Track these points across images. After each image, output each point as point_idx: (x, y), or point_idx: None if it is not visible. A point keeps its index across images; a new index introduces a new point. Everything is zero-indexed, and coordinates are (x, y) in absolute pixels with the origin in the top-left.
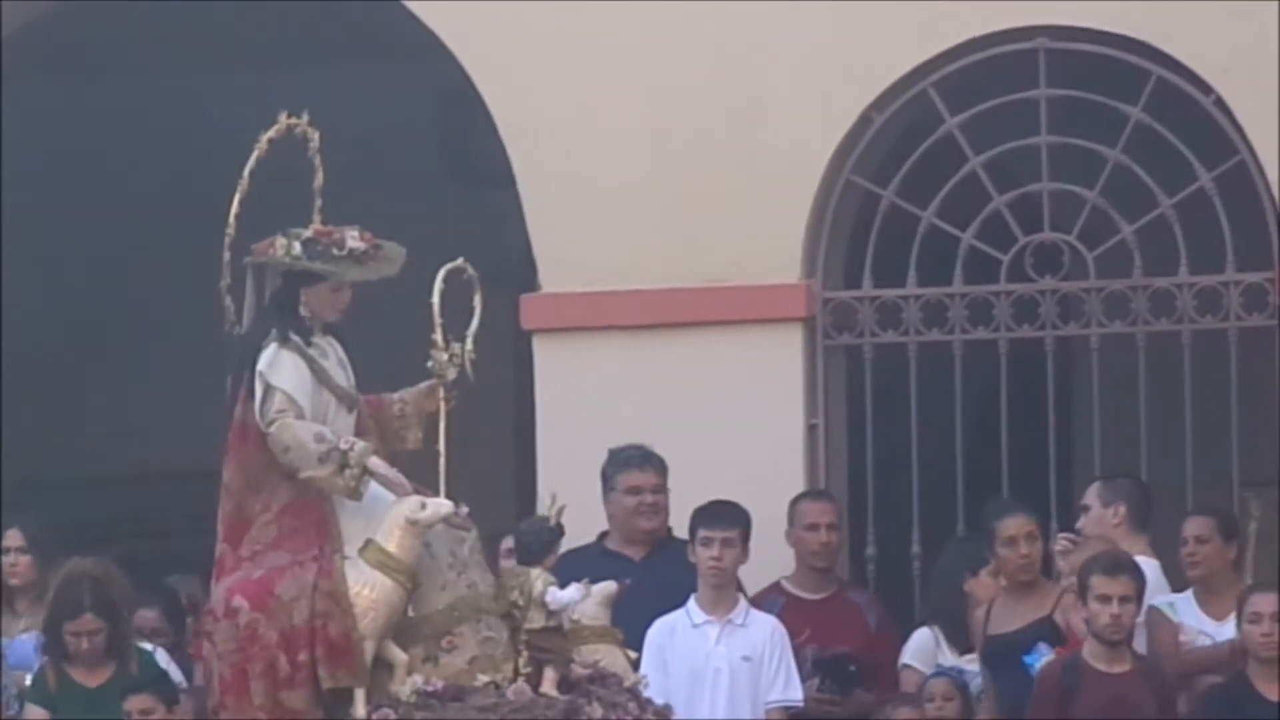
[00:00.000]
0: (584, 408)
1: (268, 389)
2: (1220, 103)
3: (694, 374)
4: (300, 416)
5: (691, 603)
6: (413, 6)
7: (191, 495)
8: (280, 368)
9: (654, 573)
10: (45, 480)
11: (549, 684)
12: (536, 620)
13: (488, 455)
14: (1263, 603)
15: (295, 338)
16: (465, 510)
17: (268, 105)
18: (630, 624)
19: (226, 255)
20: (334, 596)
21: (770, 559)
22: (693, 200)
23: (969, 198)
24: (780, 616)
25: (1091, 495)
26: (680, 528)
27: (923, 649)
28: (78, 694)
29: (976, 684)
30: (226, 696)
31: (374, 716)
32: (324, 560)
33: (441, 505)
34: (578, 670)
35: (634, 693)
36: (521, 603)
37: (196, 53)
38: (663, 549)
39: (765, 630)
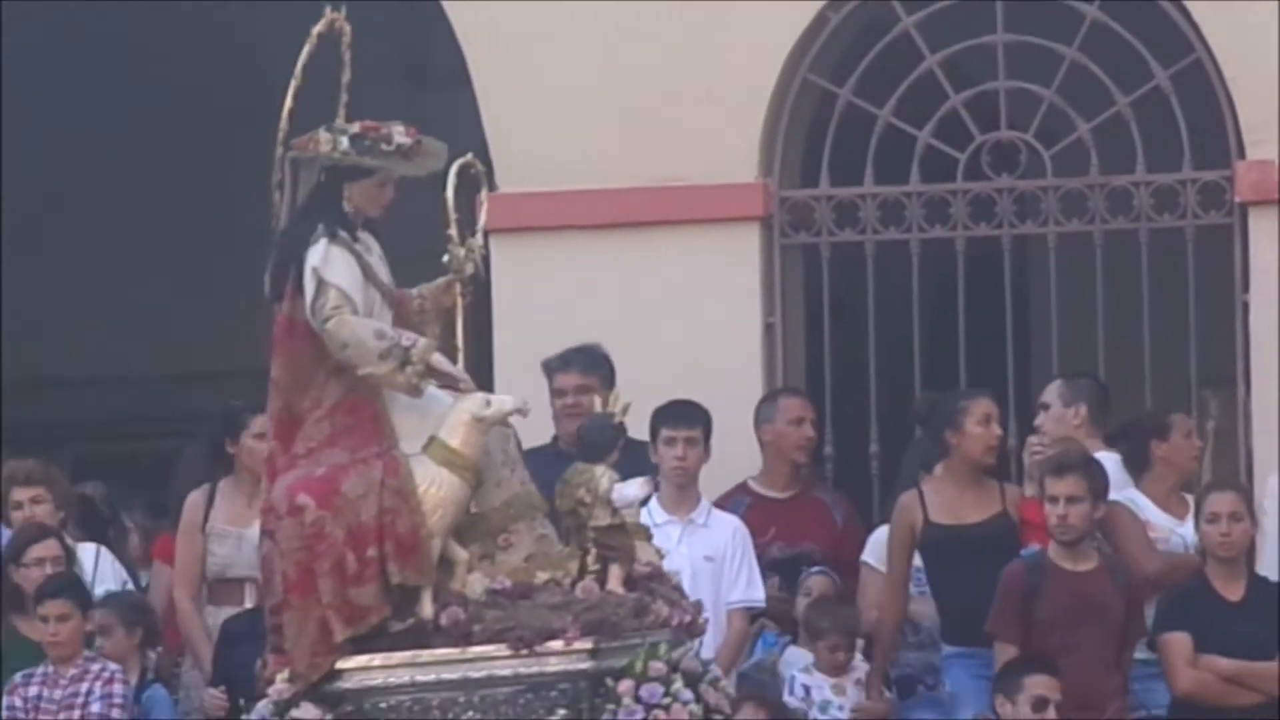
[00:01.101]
0: (541, 307)
1: (320, 284)
2: (1183, 10)
3: (651, 274)
4: (355, 312)
5: (653, 502)
6: None
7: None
8: (333, 263)
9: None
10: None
11: (615, 581)
12: (602, 518)
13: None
14: (1220, 502)
15: (343, 234)
16: (528, 406)
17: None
18: None
19: (279, 151)
20: (402, 493)
21: (727, 458)
22: (649, 100)
23: (926, 96)
24: (746, 516)
25: (1052, 394)
26: (640, 428)
27: (880, 547)
28: (23, 648)
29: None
30: (291, 594)
31: (443, 615)
32: (387, 457)
33: (505, 401)
34: (639, 568)
35: (681, 591)
36: (588, 500)
37: None
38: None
39: (727, 530)
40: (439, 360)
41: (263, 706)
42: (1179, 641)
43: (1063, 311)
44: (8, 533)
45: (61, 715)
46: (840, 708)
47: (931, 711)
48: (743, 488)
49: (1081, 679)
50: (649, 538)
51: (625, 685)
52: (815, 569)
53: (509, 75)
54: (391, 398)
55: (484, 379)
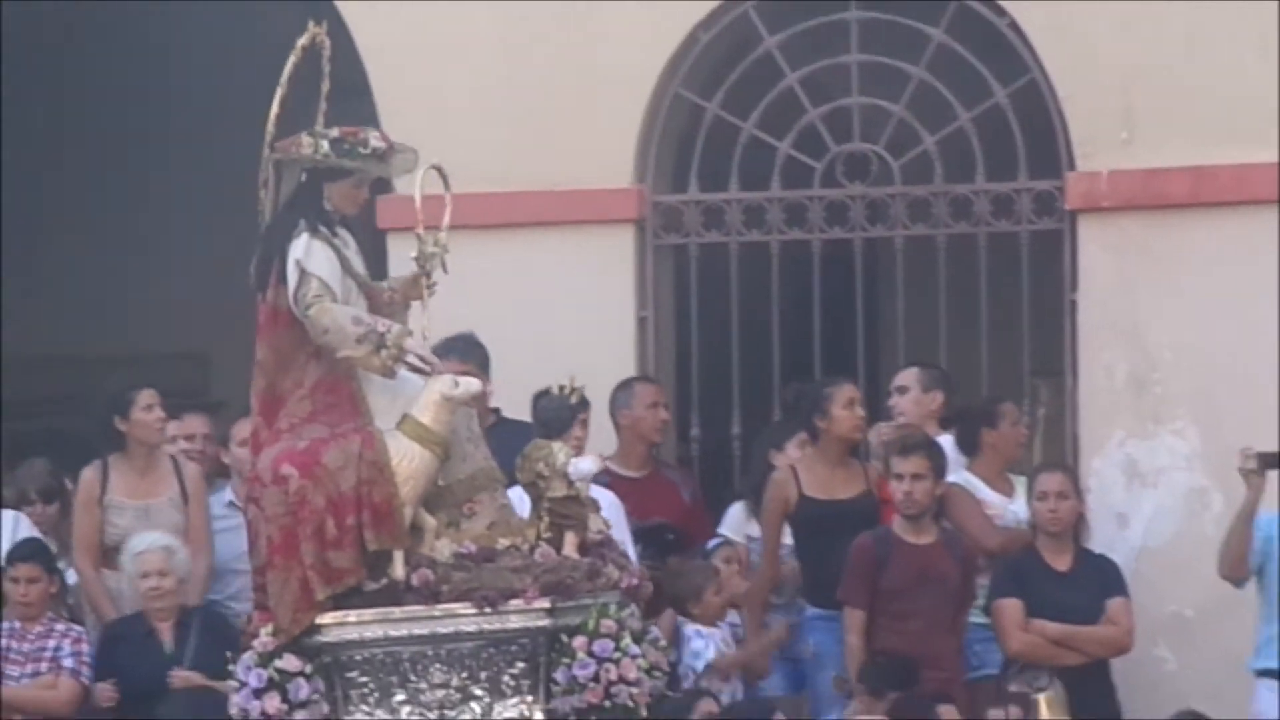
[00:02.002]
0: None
1: (303, 275)
2: (1014, 26)
3: (535, 270)
4: (334, 301)
5: None
6: None
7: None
8: (314, 255)
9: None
10: None
11: (570, 547)
12: (559, 489)
13: None
14: (1049, 481)
15: (324, 229)
16: (491, 388)
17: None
18: None
19: (266, 152)
20: (378, 465)
21: (610, 440)
22: (536, 111)
23: (786, 110)
24: None
25: (911, 379)
26: (521, 410)
27: (735, 520)
28: None
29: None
30: (275, 556)
31: (414, 576)
32: (364, 432)
33: (472, 383)
34: (591, 536)
35: (628, 556)
36: (546, 473)
37: None
38: (491, 431)
39: (605, 503)
40: (411, 344)
41: (248, 658)
42: (1011, 607)
43: (908, 307)
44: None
45: (29, 666)
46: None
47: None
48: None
49: (922, 641)
50: (598, 509)
51: (579, 641)
52: (718, 541)
53: (406, 86)
54: (366, 378)
55: None
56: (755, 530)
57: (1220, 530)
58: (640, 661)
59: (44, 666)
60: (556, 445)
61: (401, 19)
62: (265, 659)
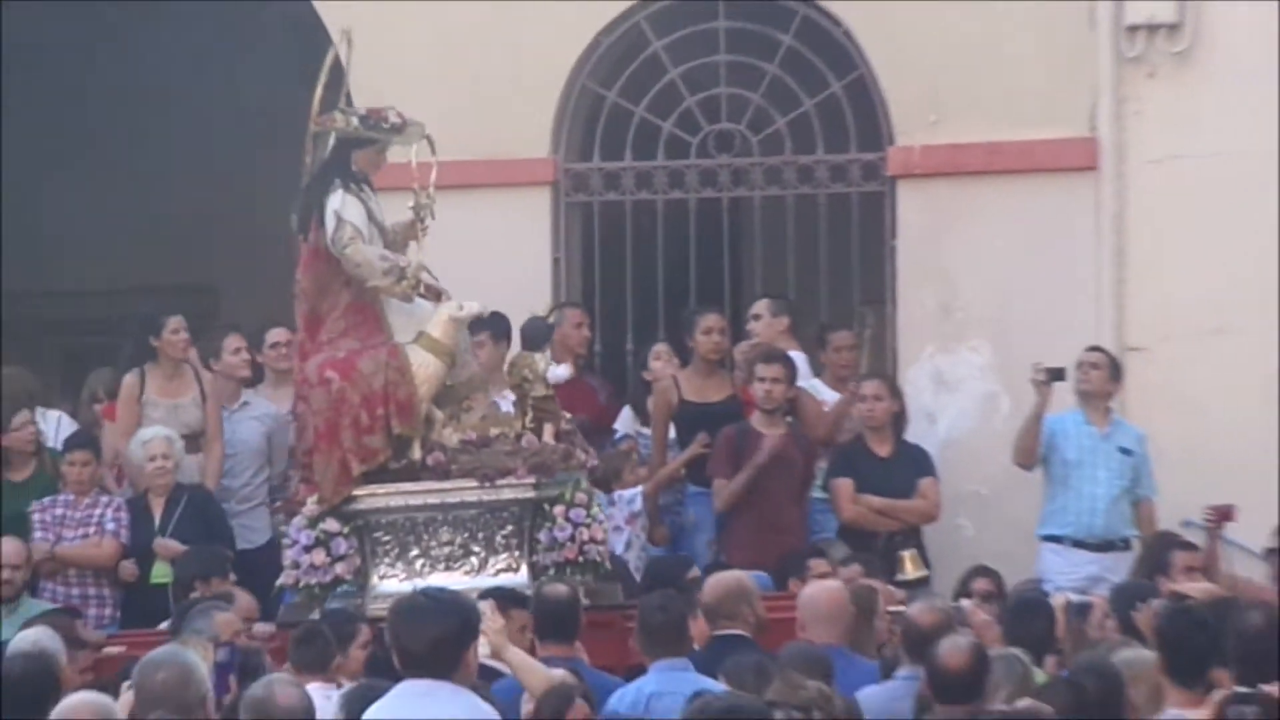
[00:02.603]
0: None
1: (339, 221)
2: (847, 33)
3: (471, 224)
4: (364, 242)
5: None
6: None
7: None
8: (348, 206)
9: None
10: None
11: (548, 435)
12: (540, 390)
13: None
14: (869, 387)
15: (353, 185)
16: (487, 309)
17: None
18: None
19: (309, 142)
20: (401, 370)
21: None
22: (475, 94)
23: (669, 97)
24: None
25: (763, 308)
26: None
27: (625, 420)
28: (9, 489)
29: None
30: (320, 441)
31: (428, 457)
32: (390, 345)
33: (473, 305)
34: (563, 425)
35: (586, 443)
36: (530, 377)
37: None
38: None
39: None
40: (425, 276)
41: (298, 521)
42: (844, 485)
43: (765, 253)
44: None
45: (79, 530)
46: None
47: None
48: (572, 375)
49: (774, 512)
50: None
51: (559, 509)
52: (621, 435)
53: (369, 70)
54: (387, 302)
55: None
56: (638, 428)
57: (1008, 426)
58: (605, 525)
59: (91, 530)
60: (537, 356)
61: (367, 15)
62: (313, 522)
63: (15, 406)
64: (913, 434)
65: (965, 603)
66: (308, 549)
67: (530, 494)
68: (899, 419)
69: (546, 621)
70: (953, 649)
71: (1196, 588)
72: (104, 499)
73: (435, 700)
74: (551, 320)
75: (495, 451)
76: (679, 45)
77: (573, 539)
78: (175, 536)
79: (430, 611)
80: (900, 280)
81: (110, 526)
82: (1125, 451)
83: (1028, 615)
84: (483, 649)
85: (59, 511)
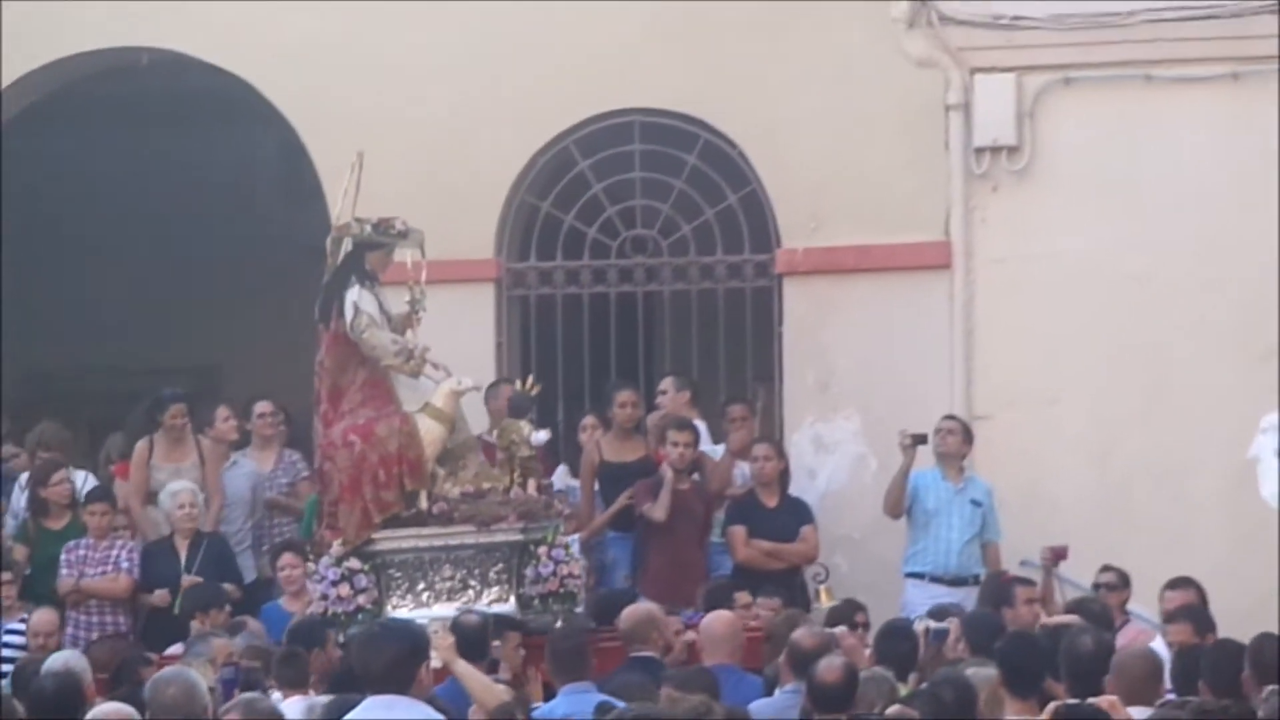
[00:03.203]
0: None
1: (357, 311)
2: (741, 154)
3: (428, 314)
4: (379, 328)
5: None
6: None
7: None
8: (364, 299)
9: None
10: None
11: (533, 489)
12: (525, 451)
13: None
14: (760, 449)
15: (368, 282)
16: (482, 385)
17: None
18: None
19: (330, 243)
20: (411, 435)
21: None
22: (431, 205)
23: (593, 208)
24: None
25: (668, 384)
26: None
27: (560, 476)
28: (48, 536)
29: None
30: (344, 494)
31: (434, 507)
32: (401, 414)
33: (469, 381)
34: (545, 482)
35: (563, 497)
36: (518, 440)
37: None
38: None
39: None
40: (430, 357)
41: (326, 560)
42: (739, 531)
43: (673, 338)
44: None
45: (100, 568)
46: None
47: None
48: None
49: (679, 554)
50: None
51: (542, 550)
52: (557, 489)
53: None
54: (396, 378)
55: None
56: (572, 482)
57: (875, 481)
58: (581, 563)
59: (109, 568)
60: (522, 423)
61: (338, 135)
62: (338, 561)
63: (56, 453)
64: (796, 488)
65: (839, 629)
66: (335, 583)
67: (519, 537)
68: (785, 475)
69: (461, 644)
70: (829, 666)
71: (1063, 619)
72: (119, 542)
73: (397, 711)
74: (534, 394)
75: (489, 502)
76: (601, 164)
77: (554, 574)
78: (200, 574)
79: (385, 638)
80: (786, 361)
81: (125, 565)
82: (975, 503)
83: (894, 639)
84: (435, 662)
85: (82, 553)
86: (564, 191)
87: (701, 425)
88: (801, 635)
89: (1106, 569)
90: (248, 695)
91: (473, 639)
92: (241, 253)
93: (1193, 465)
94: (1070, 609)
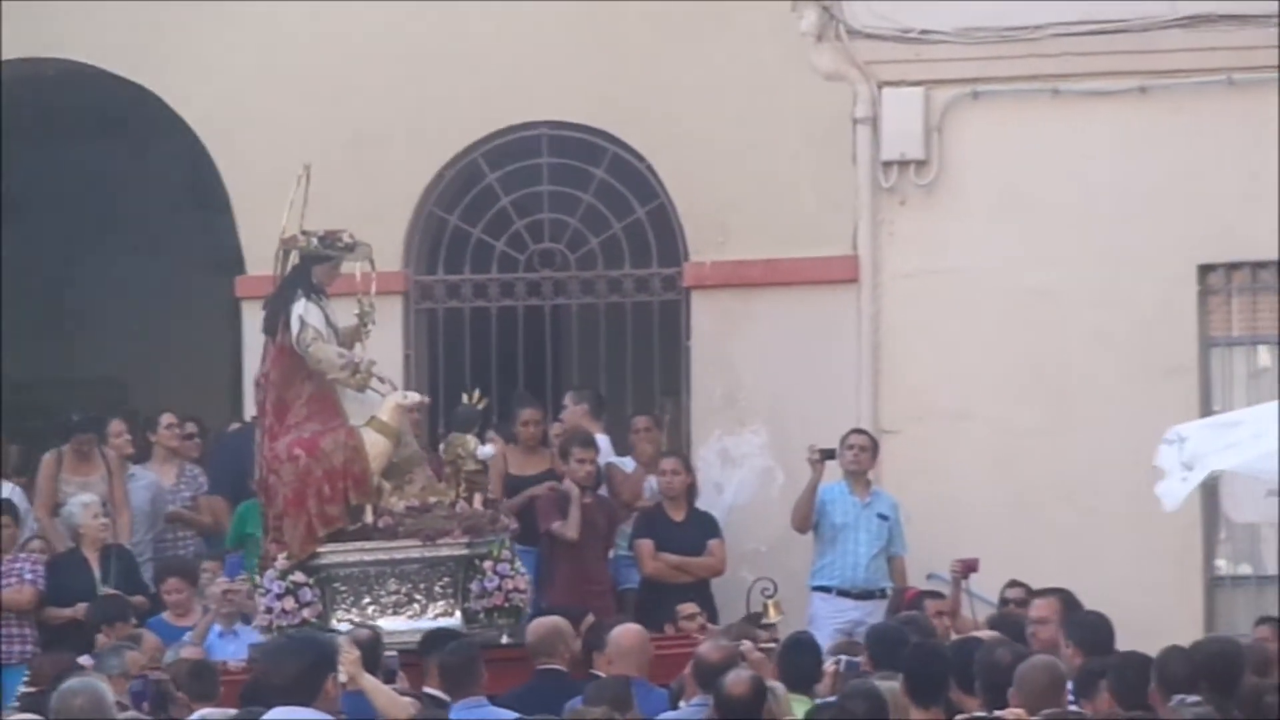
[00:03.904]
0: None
1: (304, 325)
2: (650, 168)
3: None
4: (324, 341)
5: None
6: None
7: None
8: (311, 312)
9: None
10: None
11: (478, 503)
12: (471, 465)
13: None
14: (667, 463)
15: (314, 295)
16: (428, 400)
17: None
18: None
19: (278, 256)
20: (357, 449)
21: None
22: (339, 218)
23: (501, 221)
24: None
25: (568, 399)
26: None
27: None
28: None
29: None
30: (289, 507)
31: (380, 521)
32: (347, 428)
33: (414, 396)
34: (490, 496)
35: (509, 511)
36: (464, 454)
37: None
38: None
39: None
40: (376, 370)
41: (271, 573)
42: (646, 545)
43: (581, 351)
44: None
45: (4, 580)
46: None
47: None
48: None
49: (584, 566)
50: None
51: (488, 564)
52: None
53: (255, 200)
54: (342, 392)
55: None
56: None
57: (782, 494)
58: (527, 576)
59: (14, 580)
60: (468, 437)
61: (246, 148)
62: (284, 574)
63: None
64: (703, 502)
65: (744, 643)
66: (280, 597)
67: (464, 551)
68: (692, 489)
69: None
70: (737, 679)
71: (986, 634)
72: (22, 555)
73: None
74: (480, 407)
75: (435, 516)
76: (510, 177)
77: (499, 588)
78: (114, 586)
79: (292, 649)
80: (693, 375)
81: (29, 577)
82: (882, 517)
83: (798, 653)
84: (342, 677)
85: None
86: (472, 204)
87: (604, 439)
88: (707, 649)
89: (1013, 584)
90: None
91: (366, 653)
92: (148, 265)
93: (1099, 479)
94: (993, 624)
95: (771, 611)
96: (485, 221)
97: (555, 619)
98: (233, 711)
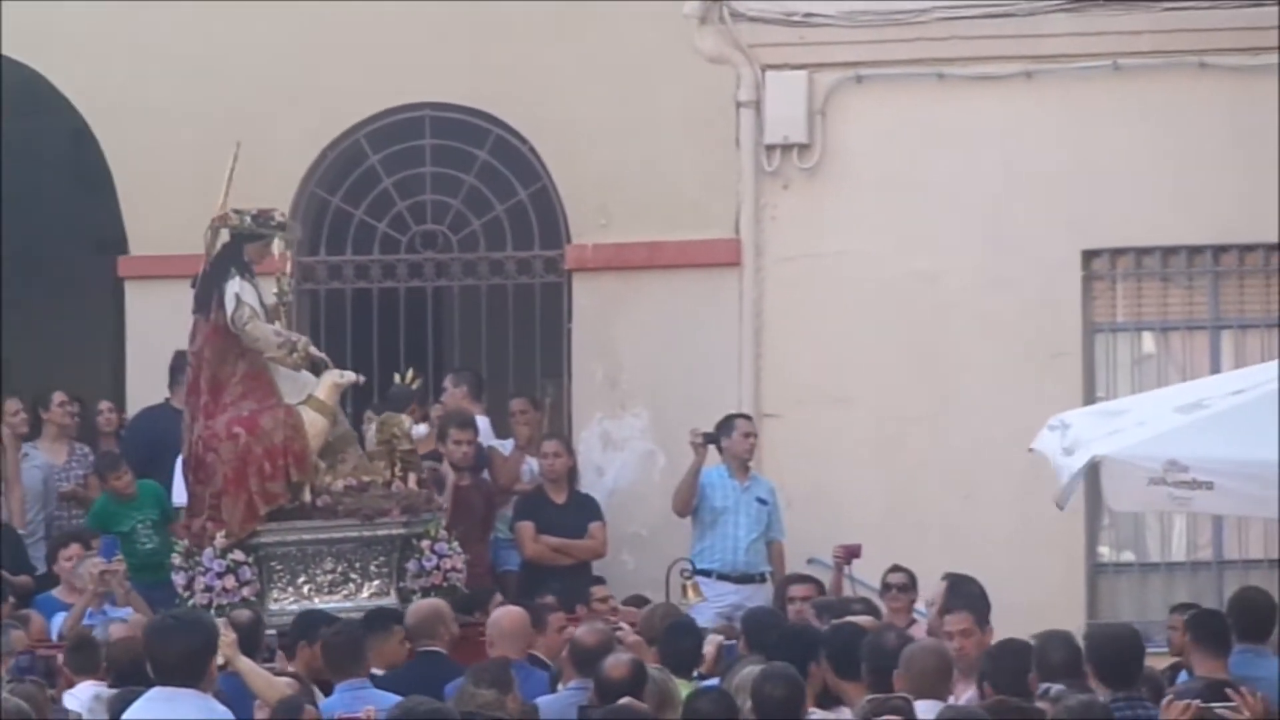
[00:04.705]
0: (164, 330)
1: (239, 303)
2: (532, 150)
3: None
4: (260, 320)
5: None
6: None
7: None
8: (245, 290)
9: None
10: None
11: (413, 483)
12: (405, 445)
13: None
14: (548, 445)
15: (248, 274)
16: (363, 379)
17: None
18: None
19: (209, 234)
20: (296, 427)
21: None
22: (243, 199)
23: (383, 202)
24: None
25: (449, 381)
26: None
27: None
28: None
29: None
30: (228, 485)
31: (319, 500)
32: (285, 406)
33: (349, 375)
34: (424, 475)
35: (442, 490)
36: (399, 434)
37: None
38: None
39: None
40: (312, 350)
41: (209, 552)
42: (527, 527)
43: (463, 333)
44: None
45: None
46: None
47: None
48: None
49: (463, 548)
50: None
51: (425, 543)
52: None
53: (139, 179)
54: (275, 370)
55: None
56: None
57: (663, 478)
58: (463, 556)
59: None
60: (402, 416)
61: (129, 126)
62: (223, 553)
63: None
64: (584, 485)
65: (623, 626)
66: (220, 575)
67: (401, 530)
68: (573, 472)
69: (241, 639)
70: (616, 663)
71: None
72: None
73: (180, 703)
74: (415, 387)
75: (373, 495)
76: (392, 159)
77: (437, 567)
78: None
79: (177, 630)
80: (575, 357)
81: None
82: (762, 501)
83: (678, 637)
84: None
85: None
86: (354, 185)
87: (484, 420)
88: (583, 633)
89: (896, 569)
90: None
91: (245, 635)
92: (31, 244)
93: (981, 465)
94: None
95: (691, 594)
96: (367, 203)
97: (435, 602)
98: (112, 691)
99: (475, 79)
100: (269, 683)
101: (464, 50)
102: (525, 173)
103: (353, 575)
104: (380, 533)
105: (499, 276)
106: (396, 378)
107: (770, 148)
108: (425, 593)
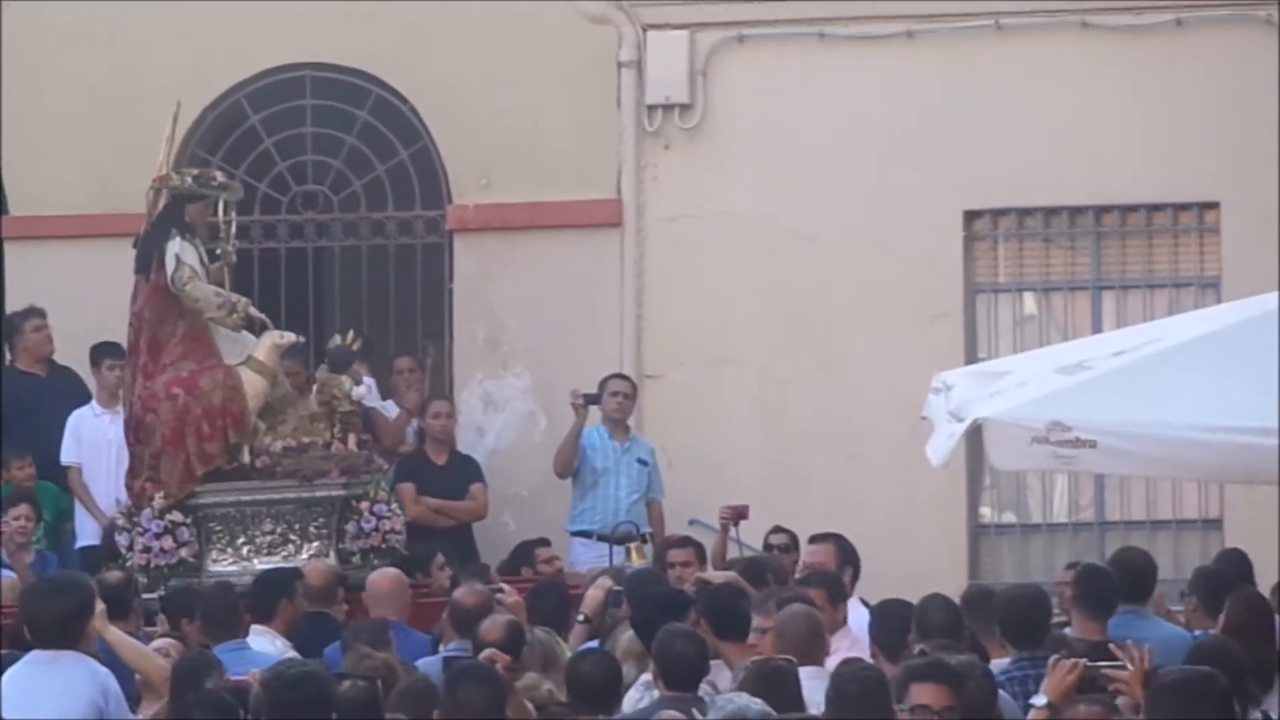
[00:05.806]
0: (52, 292)
1: (179, 264)
2: (414, 110)
3: (98, 272)
4: (200, 280)
5: (94, 402)
6: None
7: None
8: (186, 251)
9: (55, 384)
10: None
11: (353, 444)
12: (345, 406)
13: None
14: (439, 406)
15: (188, 234)
16: (303, 339)
17: None
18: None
19: (150, 194)
20: (235, 388)
21: None
22: (101, 158)
23: (264, 163)
24: None
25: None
26: None
27: None
28: None
29: None
30: (167, 446)
31: (258, 461)
32: (225, 367)
33: (289, 335)
34: (362, 436)
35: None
36: (339, 395)
37: None
38: (56, 370)
39: None
40: (252, 310)
41: (147, 513)
42: (408, 489)
43: (344, 294)
44: None
45: None
46: None
47: None
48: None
49: None
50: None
51: (364, 505)
52: None
53: (26, 136)
54: (215, 331)
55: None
56: None
57: (545, 439)
58: (403, 518)
59: None
60: (343, 378)
61: (14, 92)
62: (161, 514)
63: None
64: (465, 445)
65: (504, 588)
66: (158, 536)
67: (341, 492)
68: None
69: (107, 602)
70: (492, 625)
71: (719, 575)
72: None
73: (60, 666)
74: (355, 348)
75: (312, 456)
76: (273, 119)
77: (376, 529)
78: None
79: (54, 592)
80: (456, 318)
81: None
82: (642, 462)
83: (545, 598)
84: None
85: None
86: (234, 146)
87: (370, 381)
88: (462, 594)
89: (778, 530)
90: None
91: (116, 596)
92: None
93: (864, 426)
94: (743, 569)
95: (634, 555)
96: (248, 163)
97: (331, 566)
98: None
99: (356, 39)
100: (142, 655)
101: (344, 10)
102: (406, 133)
103: (292, 536)
104: (319, 494)
105: (380, 237)
106: (336, 338)
107: (652, 108)
108: (364, 554)
